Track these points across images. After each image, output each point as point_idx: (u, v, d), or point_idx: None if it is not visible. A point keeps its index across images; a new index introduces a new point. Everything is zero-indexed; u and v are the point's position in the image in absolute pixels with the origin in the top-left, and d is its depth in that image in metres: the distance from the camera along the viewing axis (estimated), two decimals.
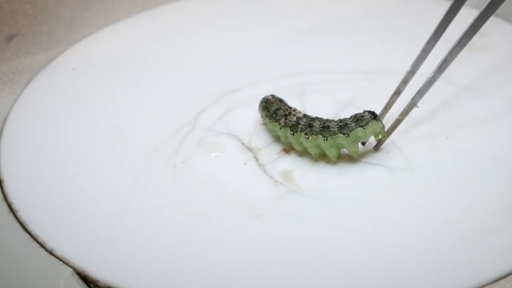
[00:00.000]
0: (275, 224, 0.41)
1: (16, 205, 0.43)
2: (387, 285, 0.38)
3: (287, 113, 0.45)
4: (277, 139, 0.46)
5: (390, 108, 0.47)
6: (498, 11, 0.50)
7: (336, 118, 0.45)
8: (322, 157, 0.45)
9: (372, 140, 0.46)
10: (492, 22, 0.58)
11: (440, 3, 0.61)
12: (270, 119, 0.46)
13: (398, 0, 0.62)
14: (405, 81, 0.47)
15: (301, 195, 0.42)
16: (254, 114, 0.48)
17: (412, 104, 0.45)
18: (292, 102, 0.49)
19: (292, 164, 0.45)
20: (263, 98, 0.47)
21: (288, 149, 0.46)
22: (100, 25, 0.60)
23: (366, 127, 0.43)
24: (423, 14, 0.60)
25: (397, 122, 0.45)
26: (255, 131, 0.47)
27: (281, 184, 0.43)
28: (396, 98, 0.47)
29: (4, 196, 0.44)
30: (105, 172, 0.45)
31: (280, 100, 0.47)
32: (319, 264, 0.39)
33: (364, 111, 0.44)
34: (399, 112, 0.45)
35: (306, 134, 0.44)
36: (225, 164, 0.45)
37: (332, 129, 0.43)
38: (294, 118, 0.45)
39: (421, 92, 0.45)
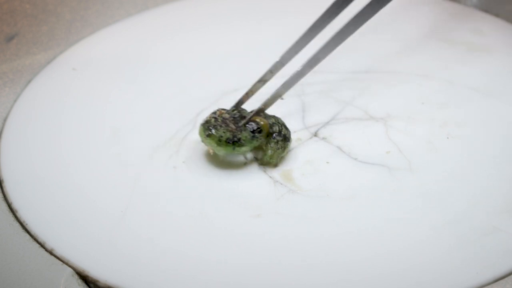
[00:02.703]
0: (275, 224, 0.41)
1: (16, 205, 0.43)
2: (387, 285, 0.38)
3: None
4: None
5: (252, 94, 0.46)
6: (499, 11, 0.49)
7: (335, 118, 0.45)
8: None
9: (373, 140, 0.46)
10: (492, 22, 0.58)
11: (440, 3, 0.61)
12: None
13: (399, 0, 0.62)
14: (272, 71, 0.46)
15: (301, 195, 0.42)
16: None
17: (276, 95, 0.45)
18: (292, 102, 0.49)
19: (292, 164, 0.45)
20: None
21: None
22: (100, 25, 0.60)
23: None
24: (424, 14, 0.60)
25: (259, 111, 0.45)
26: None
27: (281, 184, 0.43)
28: (260, 86, 0.46)
29: (4, 196, 0.44)
30: (105, 172, 0.45)
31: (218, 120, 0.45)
32: (319, 264, 0.39)
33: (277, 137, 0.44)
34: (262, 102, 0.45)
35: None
36: (225, 164, 0.45)
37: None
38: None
39: (286, 85, 0.45)
